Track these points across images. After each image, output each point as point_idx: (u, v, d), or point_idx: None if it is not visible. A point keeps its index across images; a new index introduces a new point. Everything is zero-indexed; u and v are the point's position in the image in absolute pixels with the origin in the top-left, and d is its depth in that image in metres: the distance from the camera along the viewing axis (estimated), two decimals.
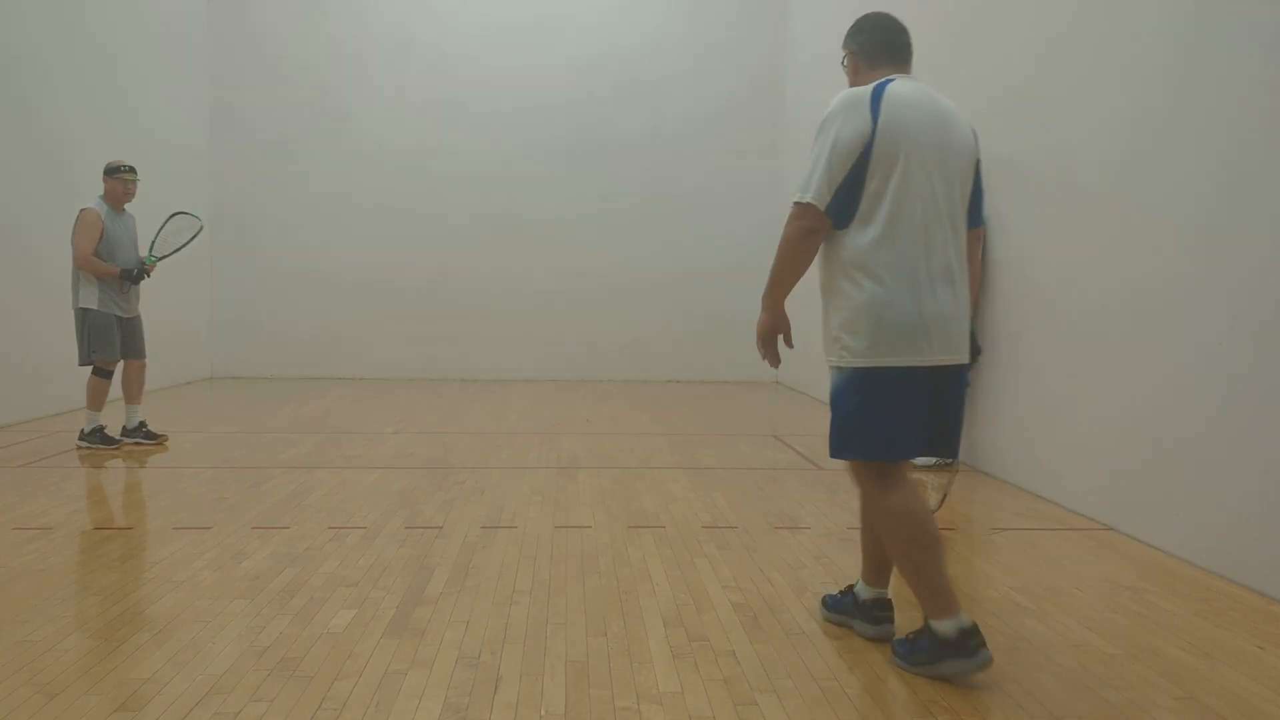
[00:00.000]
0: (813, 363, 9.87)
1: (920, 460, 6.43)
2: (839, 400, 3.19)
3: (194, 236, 7.41)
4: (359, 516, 5.06)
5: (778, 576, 4.11)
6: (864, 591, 3.48)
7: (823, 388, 10.09)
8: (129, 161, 7.17)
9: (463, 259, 12.08)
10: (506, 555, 4.38)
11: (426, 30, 12.03)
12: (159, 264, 7.18)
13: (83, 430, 6.98)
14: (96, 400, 6.97)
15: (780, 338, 3.32)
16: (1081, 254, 5.28)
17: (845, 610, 3.53)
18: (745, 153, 12.03)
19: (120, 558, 4.34)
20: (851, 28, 3.36)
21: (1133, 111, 4.84)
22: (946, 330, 3.10)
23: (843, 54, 3.37)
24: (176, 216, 7.39)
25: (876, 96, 3.08)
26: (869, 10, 3.44)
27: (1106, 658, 3.25)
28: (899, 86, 3.13)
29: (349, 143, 12.02)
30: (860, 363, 3.11)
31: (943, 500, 3.60)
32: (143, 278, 7.01)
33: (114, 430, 7.16)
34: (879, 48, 3.30)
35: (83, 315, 6.89)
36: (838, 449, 3.21)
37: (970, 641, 3.00)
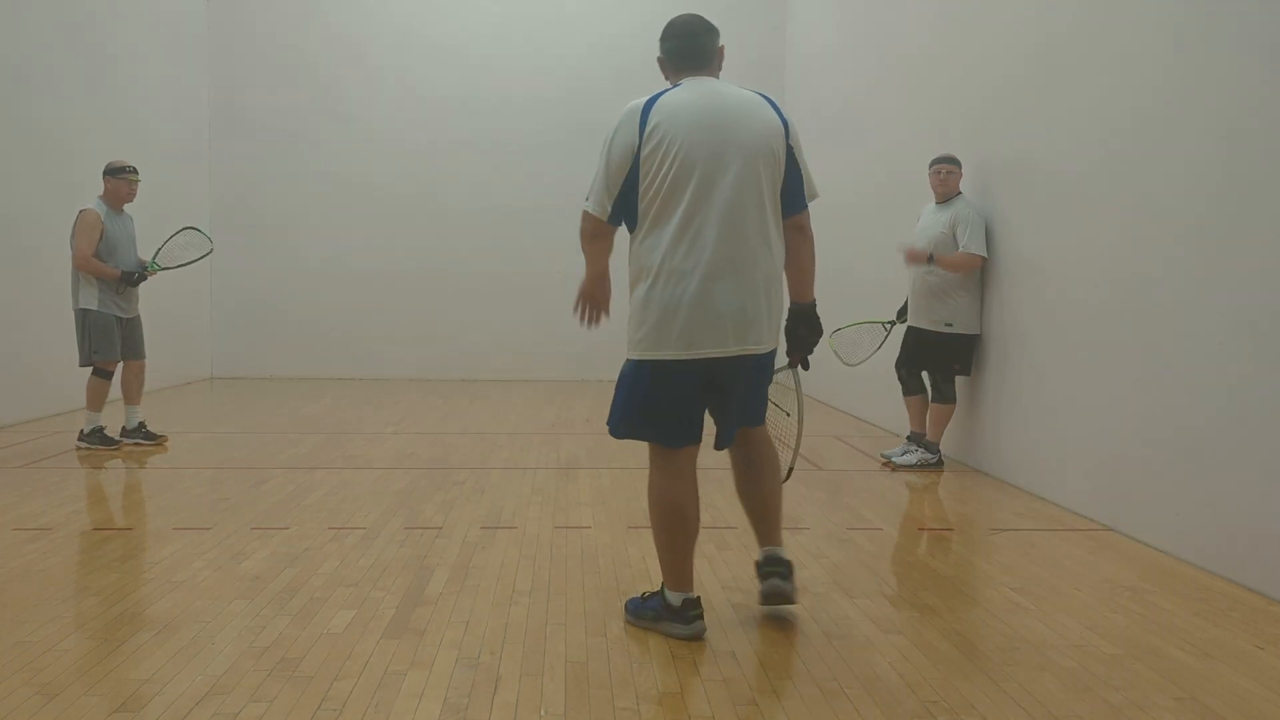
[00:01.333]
0: (812, 362, 9.87)
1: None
2: (621, 386, 3.45)
3: (202, 257, 7.44)
4: (359, 517, 5.06)
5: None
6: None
7: (821, 388, 10.07)
8: (130, 162, 7.17)
9: (463, 258, 12.07)
10: (506, 555, 4.38)
11: (427, 27, 12.03)
12: (159, 273, 7.18)
13: (82, 431, 6.98)
14: (96, 401, 6.97)
15: (597, 306, 3.56)
16: (1081, 254, 5.28)
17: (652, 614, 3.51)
18: None
19: (120, 558, 4.34)
20: (662, 32, 3.51)
21: (1132, 111, 4.84)
22: (720, 325, 3.26)
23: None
24: (187, 231, 7.41)
25: (647, 108, 3.29)
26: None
27: (1106, 658, 3.25)
28: (675, 95, 3.32)
29: (350, 141, 12.01)
30: (638, 355, 3.36)
31: (789, 470, 3.75)
32: (141, 281, 7.02)
33: (113, 431, 7.15)
34: (676, 55, 3.48)
35: (83, 316, 6.89)
36: (617, 430, 3.47)
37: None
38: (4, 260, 7.94)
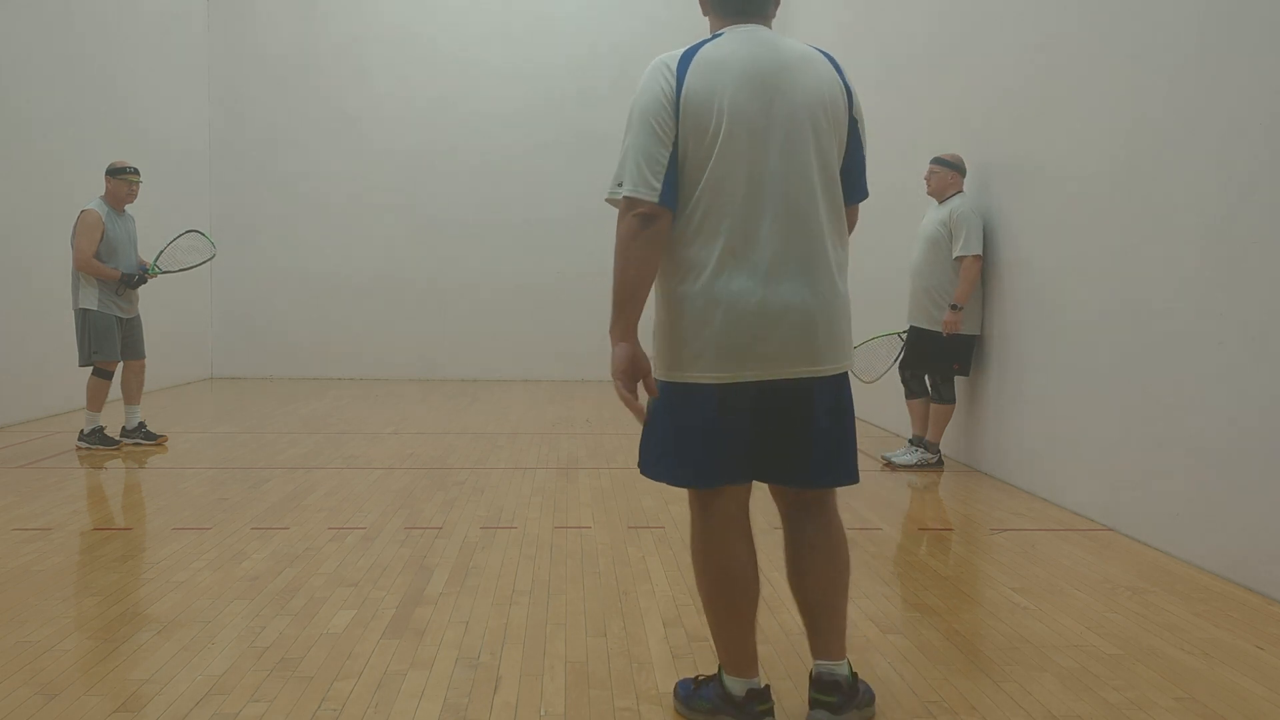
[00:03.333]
0: None
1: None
2: (651, 413, 2.68)
3: (204, 262, 7.46)
4: (359, 516, 5.06)
5: (777, 576, 4.09)
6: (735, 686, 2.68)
7: None
8: (131, 163, 7.17)
9: (463, 258, 12.08)
10: (506, 555, 4.38)
11: (426, 30, 12.04)
12: (160, 275, 7.18)
13: (82, 431, 6.98)
14: (96, 401, 6.96)
15: (641, 383, 2.63)
16: (1082, 255, 5.28)
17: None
18: None
19: (120, 558, 4.34)
20: None
21: (1133, 112, 4.84)
22: (779, 339, 2.54)
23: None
24: (191, 234, 7.42)
25: (683, 65, 2.57)
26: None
27: (1106, 658, 3.24)
28: (716, 47, 2.60)
29: (349, 143, 12.03)
30: (667, 375, 2.64)
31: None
32: (141, 284, 7.02)
33: (113, 431, 7.15)
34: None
35: (83, 316, 6.88)
36: (644, 467, 2.72)
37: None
38: (3, 261, 7.94)
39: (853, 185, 2.76)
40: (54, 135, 8.64)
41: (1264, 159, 3.94)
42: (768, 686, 2.70)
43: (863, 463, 6.77)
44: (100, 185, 7.08)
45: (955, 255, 6.21)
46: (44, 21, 8.52)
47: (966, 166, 6.44)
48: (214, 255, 7.54)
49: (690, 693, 2.79)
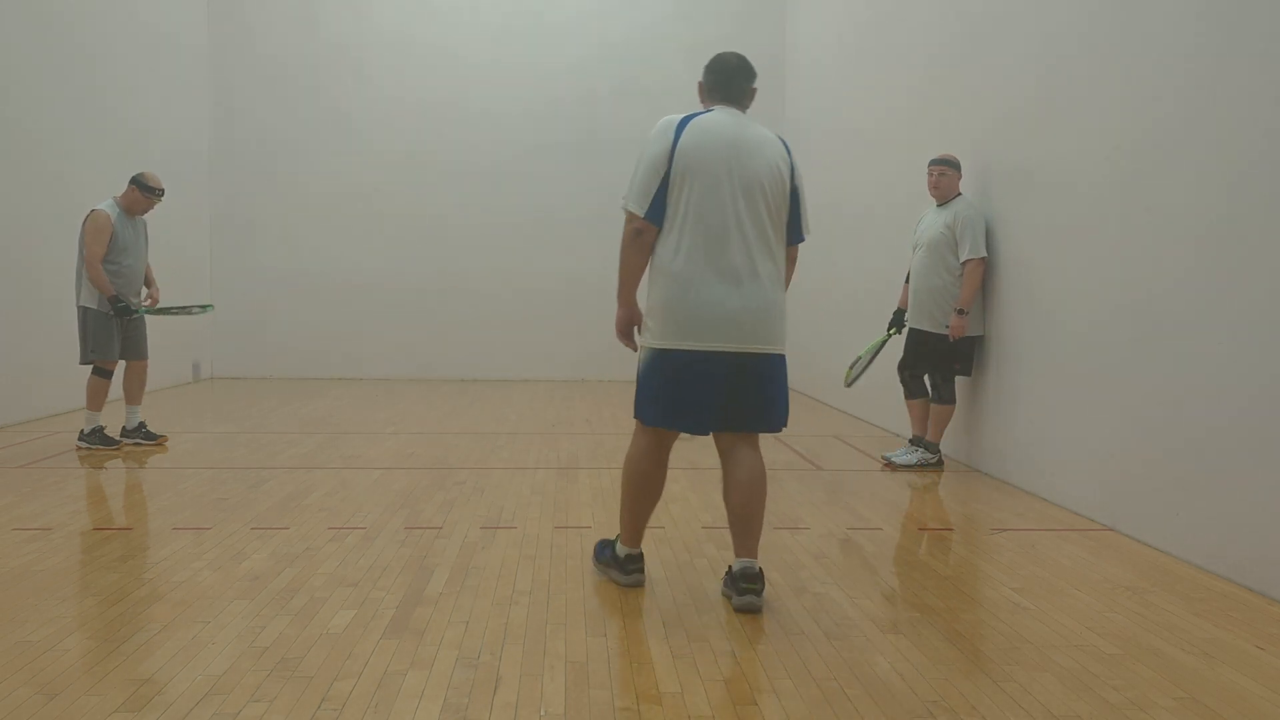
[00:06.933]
0: (813, 363, 9.86)
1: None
2: (639, 372, 3.79)
3: (196, 313, 7.51)
4: (359, 516, 5.06)
5: (777, 576, 4.11)
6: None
7: (821, 388, 10.06)
8: (163, 184, 7.12)
9: (462, 259, 12.08)
10: (506, 555, 4.38)
11: (425, 31, 12.04)
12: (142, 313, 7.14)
13: (82, 431, 6.98)
14: (96, 400, 6.96)
15: (635, 328, 3.87)
16: (1082, 256, 5.28)
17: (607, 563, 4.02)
18: None
19: (120, 558, 4.34)
20: (711, 62, 3.90)
21: (1133, 115, 4.84)
22: (734, 323, 3.62)
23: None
24: (196, 310, 7.50)
25: (683, 124, 3.68)
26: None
27: (1106, 658, 3.25)
28: (708, 118, 3.72)
29: (349, 144, 12.03)
30: (652, 343, 3.72)
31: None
32: (126, 315, 6.94)
33: (114, 431, 7.15)
34: (717, 87, 3.88)
35: (83, 314, 6.88)
36: (636, 409, 3.82)
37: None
38: (4, 261, 7.94)
39: (793, 232, 3.84)
40: (54, 136, 8.63)
41: (1262, 161, 3.95)
42: (641, 553, 3.95)
43: (863, 462, 6.80)
44: (102, 185, 7.06)
45: (962, 260, 6.21)
46: (44, 23, 8.52)
47: (964, 169, 6.44)
48: (209, 310, 7.74)
49: (600, 548, 4.08)
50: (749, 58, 3.93)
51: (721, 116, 3.75)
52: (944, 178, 6.40)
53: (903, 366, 6.64)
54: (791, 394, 3.95)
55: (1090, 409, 5.15)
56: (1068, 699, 2.92)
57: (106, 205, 6.92)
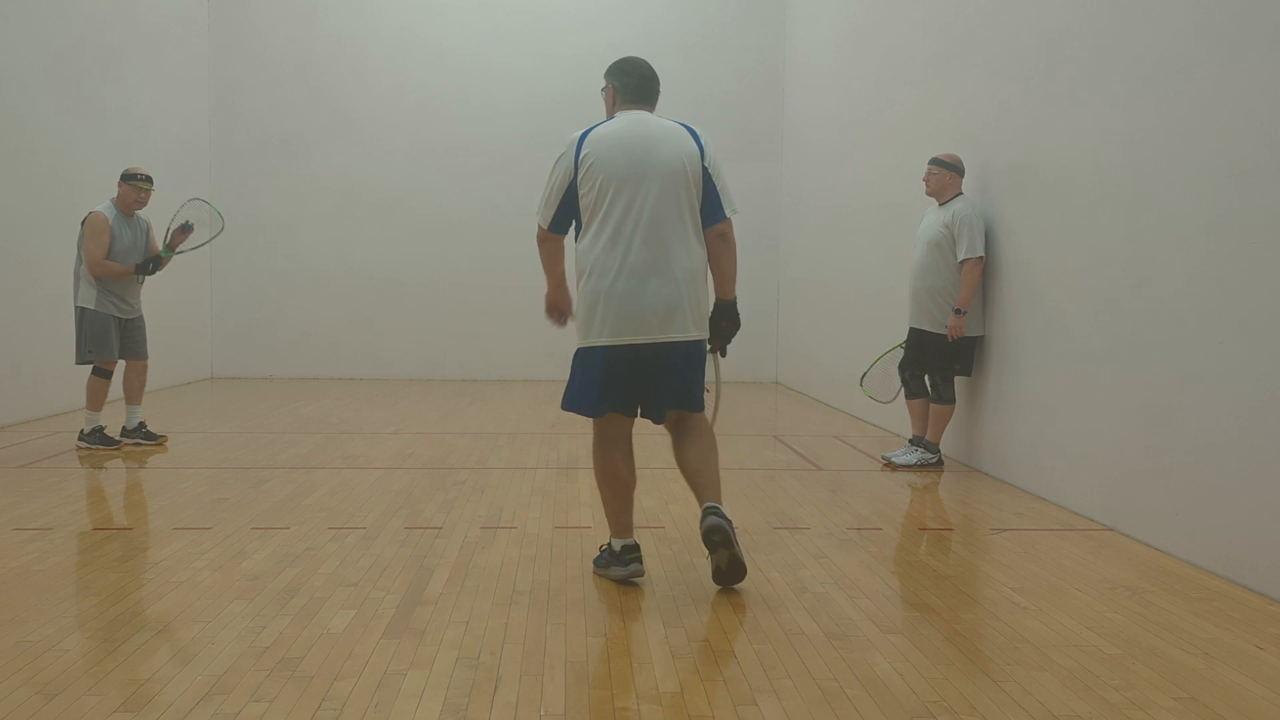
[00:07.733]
0: (813, 364, 9.86)
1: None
2: (572, 366, 4.01)
3: (214, 237, 7.43)
4: (359, 516, 5.06)
5: (777, 576, 4.11)
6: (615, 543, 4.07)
7: (821, 389, 10.03)
8: (145, 170, 7.12)
9: (463, 258, 12.07)
10: (506, 555, 4.38)
11: (426, 29, 12.03)
12: (174, 258, 7.13)
13: (82, 431, 6.98)
14: (96, 400, 6.96)
15: (561, 311, 4.25)
16: (1082, 256, 5.28)
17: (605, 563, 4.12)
18: (743, 151, 11.99)
19: (120, 558, 4.34)
20: (610, 66, 4.14)
21: (1133, 115, 4.84)
22: (643, 316, 3.82)
23: (604, 84, 4.16)
24: (195, 202, 7.36)
25: (582, 139, 3.92)
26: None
27: (1106, 658, 3.25)
28: (606, 127, 3.94)
29: (349, 142, 12.02)
30: (580, 341, 3.95)
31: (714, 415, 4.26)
32: (157, 269, 6.98)
33: (114, 431, 7.15)
34: (627, 90, 4.08)
35: (80, 314, 6.87)
36: (563, 403, 4.03)
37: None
38: (3, 261, 7.94)
39: (711, 211, 3.97)
40: (54, 135, 8.63)
41: (1263, 160, 3.94)
42: (636, 544, 4.02)
43: (863, 462, 6.80)
44: (102, 183, 7.06)
45: (960, 259, 6.21)
46: (44, 22, 8.52)
47: (965, 167, 6.43)
48: (223, 229, 7.51)
49: (598, 558, 4.14)
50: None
51: (619, 124, 3.95)
52: (934, 177, 6.41)
53: (903, 366, 6.64)
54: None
55: (1090, 409, 5.15)
56: (1068, 699, 2.92)
57: (104, 207, 6.91)
